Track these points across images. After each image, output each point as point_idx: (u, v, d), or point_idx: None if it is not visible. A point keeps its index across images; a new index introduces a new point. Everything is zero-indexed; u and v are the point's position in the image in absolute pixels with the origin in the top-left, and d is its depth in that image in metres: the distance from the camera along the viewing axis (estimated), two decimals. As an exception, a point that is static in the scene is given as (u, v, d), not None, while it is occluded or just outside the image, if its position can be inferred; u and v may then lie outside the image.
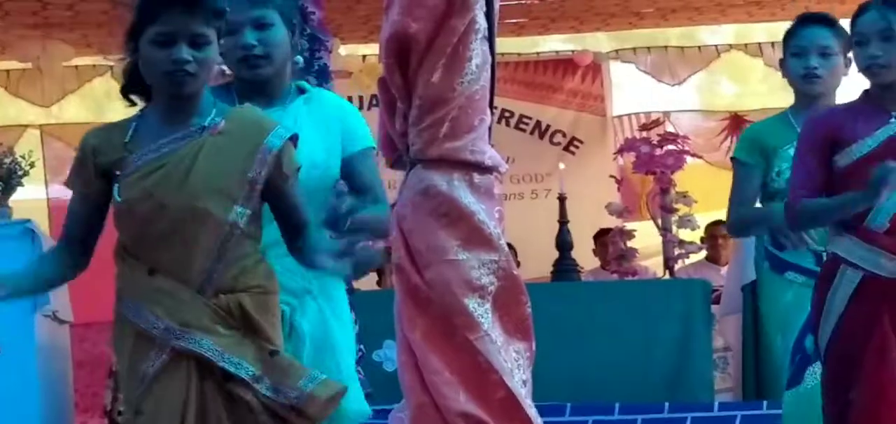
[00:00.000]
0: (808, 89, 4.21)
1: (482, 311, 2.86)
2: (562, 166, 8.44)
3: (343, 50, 9.87)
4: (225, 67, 3.46)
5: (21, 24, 9.26)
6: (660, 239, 7.62)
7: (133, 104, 3.17)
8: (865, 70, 3.72)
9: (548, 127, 10.85)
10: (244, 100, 3.35)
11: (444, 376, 2.83)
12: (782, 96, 4.43)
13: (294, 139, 3.15)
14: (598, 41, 10.97)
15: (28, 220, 5.93)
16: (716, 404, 6.46)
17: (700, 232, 8.39)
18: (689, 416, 6.26)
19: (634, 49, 10.77)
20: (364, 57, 10.44)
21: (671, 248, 7.56)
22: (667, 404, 6.28)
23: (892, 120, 3.66)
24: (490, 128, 2.96)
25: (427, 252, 2.87)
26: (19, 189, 6.42)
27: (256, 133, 3.11)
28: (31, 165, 6.46)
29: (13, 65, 10.13)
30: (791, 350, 4.09)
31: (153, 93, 3.12)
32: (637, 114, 10.59)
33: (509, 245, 3.05)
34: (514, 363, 2.89)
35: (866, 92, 3.76)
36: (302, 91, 3.53)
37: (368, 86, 9.84)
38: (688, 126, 10.30)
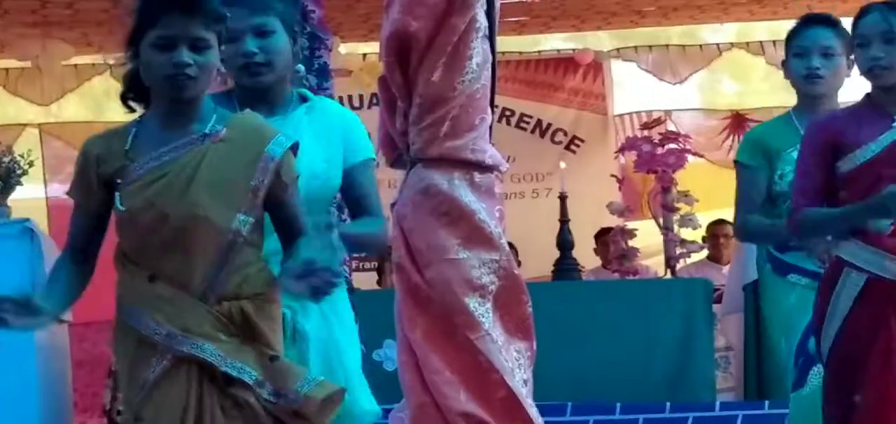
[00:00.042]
0: (811, 90, 4.21)
1: (483, 311, 2.86)
2: (563, 165, 8.44)
3: (343, 48, 9.87)
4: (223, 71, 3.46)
5: (20, 22, 9.25)
6: (661, 238, 7.61)
7: (132, 110, 3.17)
8: (867, 72, 3.72)
9: (549, 125, 10.85)
10: (245, 108, 3.34)
11: (445, 375, 2.84)
12: (784, 95, 4.43)
13: (294, 147, 3.15)
14: (599, 40, 10.97)
15: (27, 220, 5.92)
16: (717, 404, 6.46)
17: (701, 232, 8.38)
18: (691, 416, 6.26)
19: (636, 47, 10.77)
20: (364, 55, 10.44)
21: (672, 247, 7.56)
22: (668, 404, 6.28)
23: (895, 124, 3.67)
24: (491, 127, 2.96)
25: (427, 251, 2.87)
26: (18, 188, 6.41)
27: (258, 141, 3.10)
28: (30, 164, 6.46)
29: (12, 63, 10.13)
30: (794, 352, 4.09)
31: (153, 98, 3.11)
32: (638, 112, 10.58)
33: (510, 244, 3.05)
34: (514, 362, 2.90)
35: (868, 95, 3.76)
36: (304, 99, 3.52)
37: (369, 85, 9.84)
38: (689, 125, 10.29)
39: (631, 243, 7.77)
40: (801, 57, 4.21)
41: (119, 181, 3.05)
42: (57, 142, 10.40)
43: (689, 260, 8.01)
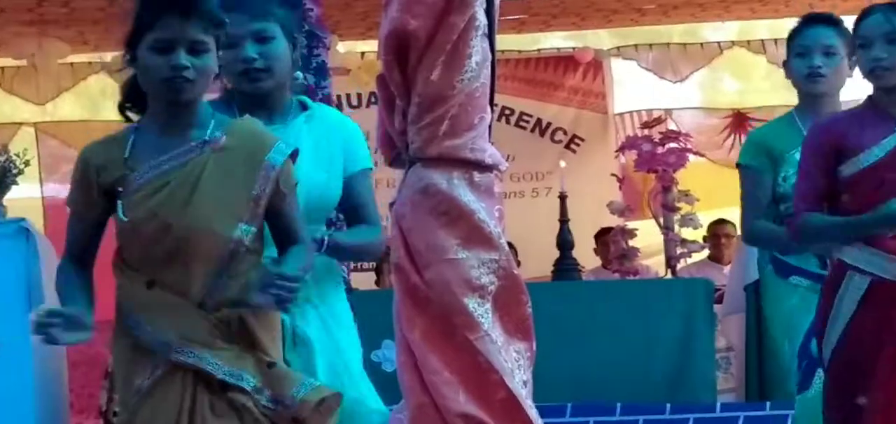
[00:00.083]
0: (812, 88, 4.21)
1: (482, 311, 2.86)
2: (563, 164, 8.44)
3: (341, 47, 9.88)
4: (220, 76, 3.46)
5: (16, 20, 9.26)
6: (662, 238, 7.61)
7: (129, 120, 3.16)
8: (869, 73, 3.73)
9: (548, 124, 10.85)
10: (245, 115, 3.34)
11: (444, 376, 2.83)
12: (785, 94, 4.44)
13: (294, 155, 3.15)
14: (599, 38, 10.98)
15: (23, 219, 5.91)
16: (718, 405, 6.45)
17: (702, 231, 8.38)
18: (692, 417, 6.25)
19: (636, 46, 10.78)
20: (362, 54, 10.45)
21: (673, 247, 7.56)
22: (668, 405, 6.27)
23: None
24: (490, 126, 2.96)
25: (426, 251, 2.87)
26: (14, 187, 6.41)
27: (258, 148, 3.10)
28: (26, 163, 6.45)
29: (8, 62, 10.13)
30: (797, 354, 4.09)
31: (150, 102, 3.11)
32: (639, 111, 10.59)
33: (509, 244, 3.05)
34: (514, 363, 2.90)
35: (870, 97, 3.77)
36: (304, 107, 3.52)
37: (367, 84, 9.84)
38: (690, 123, 10.30)
39: (631, 243, 7.76)
40: (803, 56, 4.22)
41: (120, 190, 3.05)
42: (53, 141, 10.40)
43: (689, 260, 8.01)
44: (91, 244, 3.15)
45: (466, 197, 2.88)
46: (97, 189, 3.08)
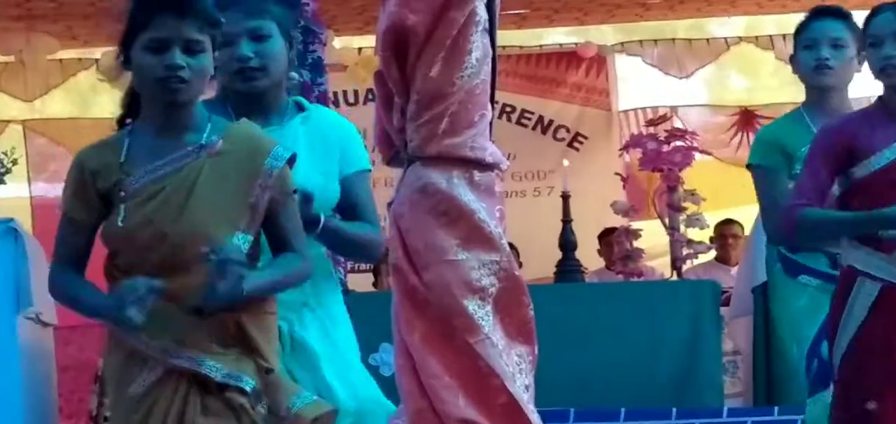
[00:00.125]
0: (820, 81, 4.21)
1: (483, 313, 2.86)
2: (565, 163, 8.44)
3: (338, 42, 9.88)
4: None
5: (4, 15, 9.26)
6: (667, 238, 7.60)
7: (123, 126, 3.17)
8: (880, 72, 3.74)
9: (551, 122, 10.86)
10: (240, 115, 3.34)
11: (444, 380, 2.84)
12: (793, 91, 4.44)
13: (292, 160, 3.15)
14: (602, 33, 10.98)
15: (10, 219, 5.91)
16: (725, 409, 6.45)
17: (709, 232, 8.38)
18: (698, 422, 6.25)
19: (641, 41, 10.78)
20: (360, 49, 10.45)
21: (679, 248, 7.55)
22: (674, 409, 6.27)
23: None
24: (491, 124, 2.97)
25: (425, 252, 2.88)
26: (1, 187, 6.42)
27: (256, 153, 3.10)
28: (14, 162, 6.47)
29: (-5, 58, 10.14)
30: (806, 356, 4.09)
31: (145, 104, 3.11)
32: (643, 108, 10.59)
33: (511, 244, 3.06)
34: (515, 367, 2.90)
35: (881, 98, 3.78)
36: (300, 108, 3.52)
37: (364, 80, 9.84)
38: (696, 121, 10.29)
39: (636, 244, 7.76)
40: (811, 48, 4.22)
41: (122, 194, 3.04)
42: (41, 139, 10.40)
43: (695, 262, 8.01)
44: (86, 251, 3.15)
45: (466, 196, 2.89)
46: (94, 193, 3.08)
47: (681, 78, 10.68)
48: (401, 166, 2.99)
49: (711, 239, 8.48)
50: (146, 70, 3.02)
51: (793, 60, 4.33)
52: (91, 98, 10.70)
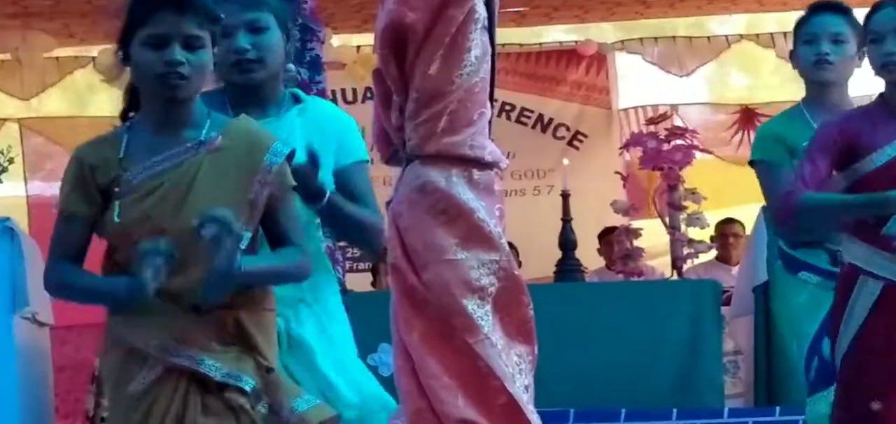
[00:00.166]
0: (820, 76, 4.20)
1: (482, 313, 2.86)
2: (565, 161, 8.44)
3: (336, 40, 9.88)
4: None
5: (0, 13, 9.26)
6: (667, 237, 7.61)
7: (124, 121, 3.17)
8: (881, 68, 3.74)
9: (550, 120, 10.86)
10: (236, 107, 3.34)
11: (443, 381, 2.84)
12: (794, 89, 4.43)
13: (291, 156, 3.15)
14: (602, 31, 10.98)
15: (7, 219, 5.91)
16: (726, 410, 6.46)
17: (710, 231, 8.38)
18: (698, 423, 6.26)
19: (641, 39, 10.78)
20: (358, 47, 10.45)
21: (679, 247, 7.56)
22: (675, 410, 6.28)
23: None
24: (490, 122, 2.97)
25: (424, 251, 2.88)
26: (-3, 186, 6.42)
27: (255, 150, 3.10)
28: (10, 161, 6.46)
29: (-9, 56, 10.14)
30: (805, 354, 4.09)
31: (143, 101, 3.11)
32: (644, 107, 10.60)
33: (510, 244, 3.05)
34: (515, 367, 2.90)
35: (882, 95, 3.78)
36: (297, 100, 3.52)
37: (363, 78, 9.85)
38: (697, 119, 10.29)
39: (636, 243, 7.76)
40: (810, 43, 4.21)
41: (117, 190, 3.04)
42: (38, 138, 10.40)
43: (696, 261, 8.01)
44: (84, 247, 3.13)
45: (465, 195, 2.89)
46: (94, 187, 3.07)
47: (681, 76, 10.68)
48: (399, 165, 2.99)
49: (712, 239, 8.49)
50: (145, 66, 3.02)
51: (792, 55, 4.33)
52: (88, 96, 10.69)
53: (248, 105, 3.36)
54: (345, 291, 5.43)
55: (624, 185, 8.83)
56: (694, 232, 7.70)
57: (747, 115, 10.37)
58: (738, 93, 11.27)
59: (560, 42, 11.13)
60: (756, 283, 6.39)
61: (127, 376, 3.04)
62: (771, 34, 10.49)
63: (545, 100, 10.86)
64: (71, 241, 3.12)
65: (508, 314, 2.91)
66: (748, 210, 7.75)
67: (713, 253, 8.59)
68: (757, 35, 10.67)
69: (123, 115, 3.15)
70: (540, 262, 8.27)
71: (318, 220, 3.48)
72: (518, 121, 10.76)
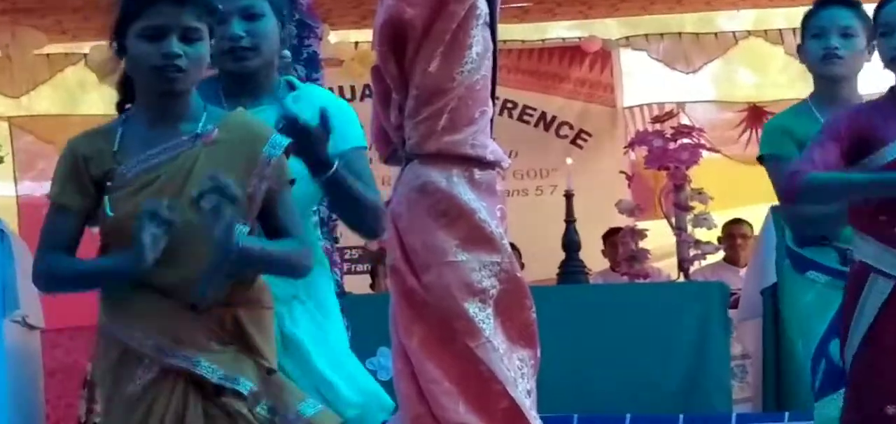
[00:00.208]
0: (829, 71, 4.20)
1: (483, 316, 2.86)
2: (569, 161, 8.45)
3: (333, 36, 9.88)
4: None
5: (-12, 8, 9.27)
6: (674, 238, 7.62)
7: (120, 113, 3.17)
8: (891, 62, 3.75)
9: (554, 118, 10.87)
10: (230, 95, 3.34)
11: (443, 386, 2.84)
12: (803, 86, 4.42)
13: (288, 149, 3.15)
14: (607, 27, 10.98)
15: (-3, 220, 5.93)
16: (734, 415, 6.47)
17: (717, 232, 8.40)
18: (706, 428, 6.28)
19: (646, 35, 10.78)
20: (356, 44, 10.46)
21: (686, 249, 7.57)
22: (681, 415, 6.29)
23: None
24: (492, 121, 2.97)
25: (424, 253, 2.88)
26: (-14, 185, 6.43)
27: (253, 143, 3.10)
28: (0, 160, 6.47)
29: (-20, 52, 10.14)
30: (812, 355, 4.08)
31: (139, 93, 3.11)
32: (649, 105, 10.60)
33: (512, 245, 3.06)
34: (517, 371, 2.90)
35: (892, 89, 3.79)
36: (292, 87, 3.53)
37: (361, 75, 9.85)
38: (703, 118, 10.30)
39: (641, 244, 7.77)
40: (819, 37, 4.21)
41: (109, 184, 3.04)
42: (28, 137, 10.41)
43: (703, 263, 8.02)
44: (76, 240, 3.12)
45: (466, 195, 2.89)
46: (88, 178, 3.07)
47: (688, 73, 10.68)
48: (398, 164, 2.99)
49: (719, 240, 8.50)
50: (142, 58, 3.02)
51: (800, 50, 4.32)
52: (80, 94, 10.69)
53: (241, 93, 3.36)
54: (343, 293, 5.43)
55: (629, 185, 8.84)
56: (701, 233, 7.72)
57: (755, 114, 10.37)
58: (746, 90, 11.27)
59: (563, 38, 11.14)
60: (764, 285, 6.40)
61: (122, 377, 3.04)
62: (780, 30, 10.49)
63: (548, 97, 10.87)
64: (62, 233, 3.10)
65: (510, 317, 2.91)
66: (756, 210, 7.75)
67: (720, 254, 8.60)
68: (765, 31, 10.67)
69: (120, 107, 3.15)
70: (543, 264, 8.28)
71: (315, 219, 3.47)
72: (520, 119, 10.77)
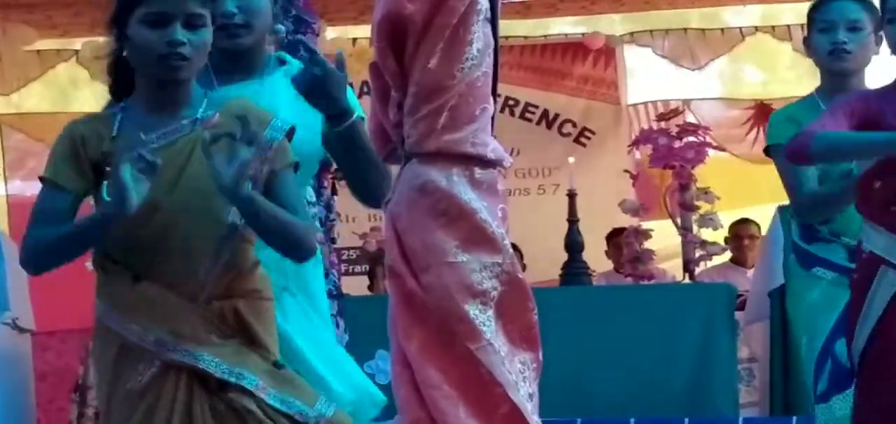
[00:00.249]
0: (837, 66, 4.20)
1: (484, 318, 2.87)
2: (571, 159, 8.44)
3: (331, 32, 9.88)
4: None
5: (-22, 3, 9.27)
6: (679, 239, 7.62)
7: (117, 101, 3.17)
8: (898, 49, 3.75)
9: (556, 116, 10.86)
10: (220, 72, 3.35)
11: (443, 390, 2.84)
12: (812, 83, 4.42)
13: (290, 133, 3.15)
14: (611, 23, 10.97)
15: (-14, 219, 5.93)
16: (740, 419, 6.48)
17: (723, 232, 8.39)
18: (711, 433, 6.29)
19: (651, 31, 10.77)
20: (354, 40, 10.45)
21: (691, 250, 7.57)
22: (687, 419, 6.29)
23: None
24: (493, 118, 2.97)
25: (424, 253, 2.88)
26: (-24, 186, 6.44)
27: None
28: (-11, 159, 6.47)
29: (-31, 49, 10.14)
30: (817, 354, 4.08)
31: (139, 81, 3.11)
32: (654, 102, 10.59)
33: (514, 245, 3.06)
34: (519, 375, 2.90)
35: (899, 76, 3.79)
36: (282, 62, 3.54)
37: (359, 72, 9.79)
38: (709, 115, 10.30)
39: (646, 245, 7.77)
40: (826, 31, 4.21)
41: (107, 168, 3.04)
42: (18, 135, 10.40)
43: (709, 264, 8.02)
44: (69, 221, 3.09)
45: (467, 195, 2.89)
46: (87, 160, 3.07)
47: (693, 70, 10.68)
48: (398, 163, 2.99)
49: (726, 240, 8.50)
50: (145, 46, 3.02)
51: (807, 44, 4.32)
52: (71, 91, 10.68)
53: (233, 70, 3.37)
54: (340, 295, 5.43)
55: (633, 184, 8.83)
56: (707, 234, 7.71)
57: (762, 111, 10.35)
58: (753, 87, 11.25)
59: (566, 34, 11.13)
60: (772, 287, 6.40)
61: (123, 373, 3.04)
62: (788, 26, 10.48)
63: (551, 95, 10.86)
64: (54, 213, 3.07)
65: (512, 319, 2.92)
66: (764, 210, 7.75)
67: (727, 255, 8.60)
68: (773, 27, 10.66)
69: (118, 95, 3.14)
70: (545, 265, 8.27)
71: (314, 212, 3.46)
72: (522, 116, 10.77)
